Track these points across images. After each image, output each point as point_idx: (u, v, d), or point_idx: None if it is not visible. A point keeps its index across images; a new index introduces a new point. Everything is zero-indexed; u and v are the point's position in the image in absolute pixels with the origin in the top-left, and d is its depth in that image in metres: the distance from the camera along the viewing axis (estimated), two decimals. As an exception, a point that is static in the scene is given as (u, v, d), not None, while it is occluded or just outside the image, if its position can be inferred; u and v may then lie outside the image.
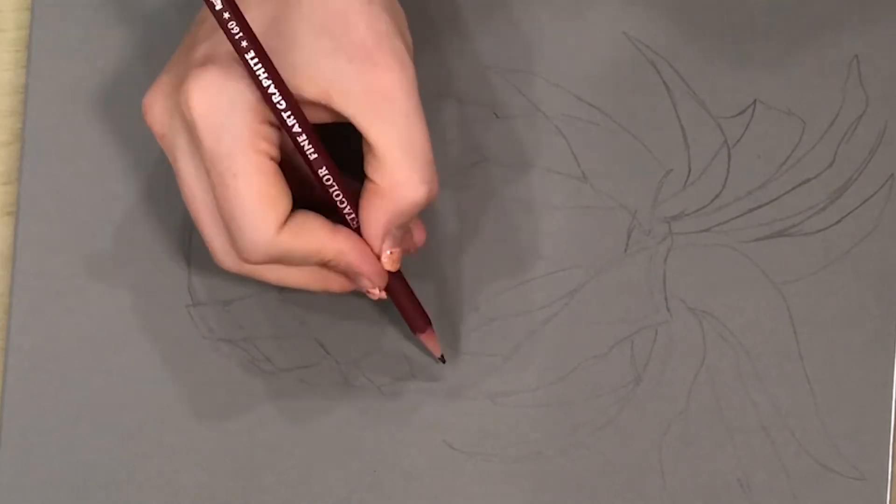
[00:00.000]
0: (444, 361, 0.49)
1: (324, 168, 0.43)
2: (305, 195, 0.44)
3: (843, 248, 0.50)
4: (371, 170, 0.43)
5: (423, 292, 0.49)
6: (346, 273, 0.45)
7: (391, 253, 0.45)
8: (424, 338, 0.48)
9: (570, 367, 0.50)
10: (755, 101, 0.50)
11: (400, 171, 0.42)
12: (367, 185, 0.43)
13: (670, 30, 0.50)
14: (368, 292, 0.46)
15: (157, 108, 0.43)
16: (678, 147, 0.50)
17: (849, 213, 0.50)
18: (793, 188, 0.50)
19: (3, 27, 0.52)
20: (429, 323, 0.48)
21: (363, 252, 0.44)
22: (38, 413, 0.50)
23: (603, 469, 0.50)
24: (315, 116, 0.43)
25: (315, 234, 0.43)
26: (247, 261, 0.43)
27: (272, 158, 0.42)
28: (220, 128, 0.41)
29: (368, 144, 0.42)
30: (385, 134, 0.42)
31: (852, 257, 0.50)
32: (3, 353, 0.50)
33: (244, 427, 0.50)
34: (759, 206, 0.50)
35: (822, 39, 0.50)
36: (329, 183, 0.43)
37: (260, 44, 0.41)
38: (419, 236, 0.47)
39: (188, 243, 0.50)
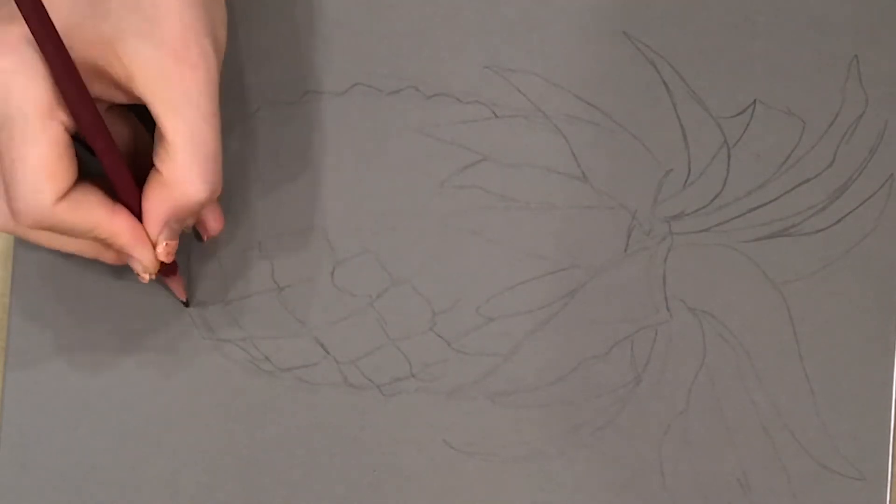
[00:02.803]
0: (187, 304, 0.50)
1: (108, 156, 0.43)
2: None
3: (843, 248, 0.50)
4: (159, 160, 0.43)
5: (423, 292, 0.49)
6: (120, 252, 0.45)
7: (167, 244, 0.45)
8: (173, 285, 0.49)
9: (570, 367, 0.50)
10: (755, 101, 0.50)
11: (185, 169, 0.43)
12: (153, 173, 0.43)
13: (670, 30, 0.50)
14: (138, 275, 0.46)
15: None
16: (678, 147, 0.50)
17: (849, 213, 0.50)
18: (792, 188, 0.50)
19: (3, 27, 0.52)
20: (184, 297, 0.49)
21: (138, 237, 0.44)
22: (38, 413, 0.50)
23: (603, 469, 0.50)
24: (118, 96, 0.43)
25: (92, 212, 0.43)
26: (19, 223, 0.43)
27: (67, 129, 0.42)
28: (23, 89, 0.41)
29: (161, 134, 0.43)
30: (178, 129, 0.42)
31: (852, 257, 0.50)
32: (3, 353, 0.50)
33: (244, 427, 0.50)
34: (759, 206, 0.50)
35: (822, 39, 0.50)
36: (113, 169, 0.43)
37: (54, 31, 0.40)
38: (214, 225, 0.47)
39: (188, 243, 0.50)
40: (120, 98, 0.43)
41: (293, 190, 0.50)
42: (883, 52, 0.50)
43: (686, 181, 0.50)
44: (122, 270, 0.50)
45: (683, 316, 0.50)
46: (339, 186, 0.50)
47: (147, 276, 0.46)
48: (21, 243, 0.50)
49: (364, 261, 0.50)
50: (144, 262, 0.45)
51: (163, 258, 0.45)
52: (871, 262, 0.50)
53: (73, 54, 0.41)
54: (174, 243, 0.45)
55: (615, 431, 0.50)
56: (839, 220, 0.50)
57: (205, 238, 0.48)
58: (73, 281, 0.50)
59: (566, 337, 0.50)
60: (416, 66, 0.50)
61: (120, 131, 0.46)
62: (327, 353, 0.50)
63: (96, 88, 0.43)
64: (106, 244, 0.45)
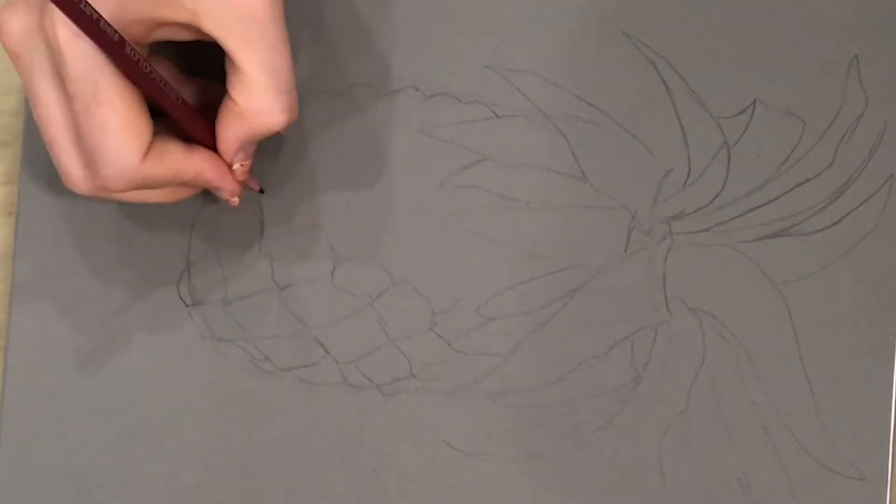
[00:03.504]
0: (262, 191, 0.50)
1: (174, 104, 0.44)
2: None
3: (843, 248, 0.50)
4: (234, 90, 0.44)
5: (423, 292, 0.49)
6: (203, 188, 0.47)
7: (242, 165, 0.46)
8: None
9: (570, 367, 0.50)
10: (755, 101, 0.50)
11: (263, 97, 0.43)
12: (228, 103, 0.44)
13: (670, 30, 0.50)
14: (227, 200, 0.47)
15: (14, 26, 0.43)
16: (678, 147, 0.50)
17: (849, 213, 0.50)
18: (792, 188, 0.50)
19: (3, 27, 0.52)
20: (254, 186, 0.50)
21: (219, 169, 0.46)
22: (38, 413, 0.50)
23: (603, 469, 0.50)
24: (183, 35, 0.44)
25: (174, 158, 0.44)
26: (108, 188, 0.43)
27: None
28: (88, 54, 0.41)
29: (234, 65, 0.43)
30: (251, 58, 0.43)
31: (852, 257, 0.50)
32: (3, 353, 0.50)
33: (244, 427, 0.50)
34: (759, 206, 0.50)
35: (822, 39, 0.50)
36: (180, 114, 0.44)
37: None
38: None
39: (188, 243, 0.50)
40: (186, 36, 0.44)
41: (293, 190, 0.50)
42: (883, 52, 0.50)
43: (686, 181, 0.50)
44: (121, 270, 0.50)
45: (683, 316, 0.50)
46: (339, 186, 0.50)
47: (236, 201, 0.47)
48: (21, 243, 0.50)
49: (364, 261, 0.50)
50: (229, 188, 0.46)
51: (240, 177, 0.47)
52: (871, 262, 0.50)
53: (137, 13, 0.42)
54: (249, 163, 0.46)
55: (615, 431, 0.50)
56: (839, 220, 0.50)
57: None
58: (73, 281, 0.50)
59: (566, 337, 0.50)
60: (416, 66, 0.50)
61: (165, 74, 0.46)
62: (327, 353, 0.50)
63: (163, 33, 0.43)
64: (187, 184, 0.46)
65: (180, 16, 0.42)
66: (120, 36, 0.41)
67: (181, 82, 0.47)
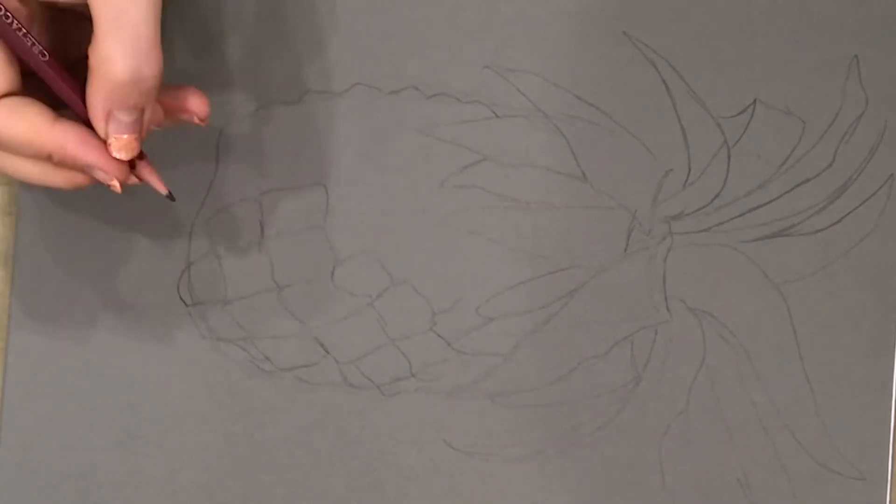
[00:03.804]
0: (172, 198, 0.45)
1: (40, 64, 0.41)
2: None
3: (843, 248, 0.50)
4: (89, 47, 0.40)
5: (423, 292, 0.49)
6: (78, 168, 0.42)
7: (116, 139, 0.42)
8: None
9: (570, 367, 0.50)
10: (755, 101, 0.50)
11: (104, 43, 0.40)
12: (87, 63, 0.41)
13: (670, 30, 0.50)
14: (107, 185, 0.43)
15: None
16: (678, 147, 0.50)
17: (849, 213, 0.50)
18: (792, 188, 0.50)
19: (3, 27, 0.52)
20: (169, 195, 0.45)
21: (87, 143, 0.42)
22: (38, 413, 0.50)
23: (603, 469, 0.50)
24: None
25: (31, 120, 0.41)
26: None
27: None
28: None
29: (91, 18, 0.40)
30: (101, 11, 0.39)
31: (852, 257, 0.50)
32: (3, 353, 0.50)
33: (244, 427, 0.50)
34: (759, 206, 0.50)
35: (822, 39, 0.50)
36: (47, 71, 0.42)
37: None
38: (197, 105, 0.44)
39: (188, 243, 0.50)
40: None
41: (293, 190, 0.50)
42: (883, 52, 0.50)
43: (686, 181, 0.50)
44: (121, 270, 0.50)
45: (683, 316, 0.50)
46: (339, 186, 0.50)
47: (116, 184, 0.43)
48: (21, 243, 0.50)
49: (364, 261, 0.50)
50: (104, 167, 0.42)
51: (117, 154, 0.42)
52: (871, 262, 0.50)
53: None
54: (129, 138, 0.42)
55: (615, 431, 0.50)
56: (839, 220, 0.50)
57: (196, 121, 0.45)
58: (73, 281, 0.50)
59: (566, 337, 0.50)
60: (416, 66, 0.50)
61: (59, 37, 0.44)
62: (327, 353, 0.50)
63: None
64: (59, 165, 0.42)
65: None
66: None
67: (77, 24, 0.44)
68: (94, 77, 0.40)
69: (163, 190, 0.45)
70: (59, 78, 0.42)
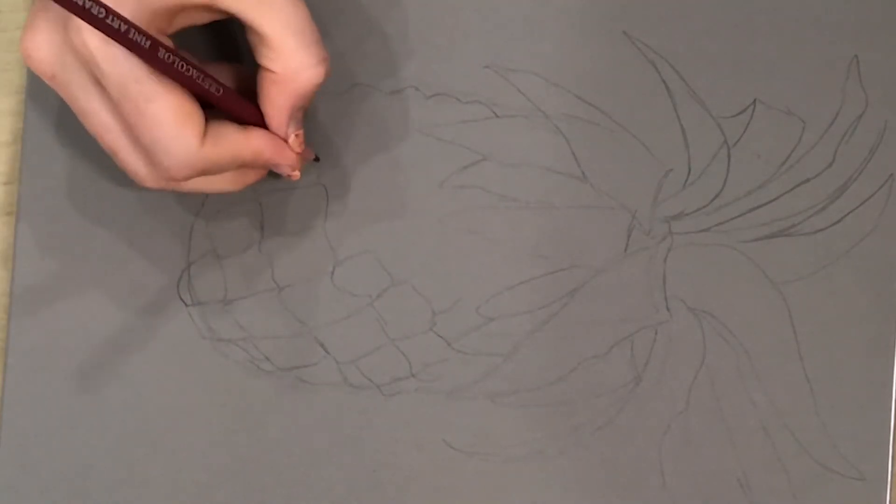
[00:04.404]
0: (318, 159, 0.50)
1: (216, 88, 0.44)
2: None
3: (843, 248, 0.50)
4: (266, 60, 0.44)
5: (423, 292, 0.49)
6: (267, 168, 0.47)
7: (296, 135, 0.46)
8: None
9: (570, 367, 0.50)
10: (755, 101, 0.50)
11: (296, 57, 0.43)
12: (265, 75, 0.44)
13: (670, 30, 0.50)
14: (288, 176, 0.47)
15: (42, 50, 0.43)
16: (678, 147, 0.50)
17: (848, 213, 0.50)
18: (792, 188, 0.50)
19: (3, 27, 0.52)
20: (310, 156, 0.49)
21: (277, 146, 0.46)
22: (38, 413, 0.50)
23: (603, 469, 0.50)
24: (203, 18, 0.44)
25: (232, 139, 0.44)
26: (174, 178, 0.44)
27: None
28: (123, 57, 0.41)
29: (259, 35, 0.43)
30: (275, 23, 0.43)
31: (852, 257, 0.50)
32: (3, 353, 0.50)
33: (244, 427, 0.50)
34: (759, 206, 0.50)
35: (822, 39, 0.50)
36: (224, 98, 0.44)
37: None
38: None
39: (188, 243, 0.50)
40: (206, 19, 0.44)
41: (293, 190, 0.50)
42: (883, 52, 0.50)
43: (686, 181, 0.50)
44: (121, 270, 0.50)
45: (683, 316, 0.50)
46: (339, 186, 0.50)
47: (297, 173, 0.47)
48: (21, 243, 0.50)
49: (364, 261, 0.50)
50: (289, 163, 0.46)
51: (296, 149, 0.46)
52: (871, 262, 0.50)
53: (158, 2, 0.42)
54: (301, 131, 0.46)
55: (615, 431, 0.50)
56: (839, 220, 0.50)
57: None
58: (73, 281, 0.50)
59: (566, 337, 0.50)
60: (416, 66, 0.50)
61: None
62: (327, 353, 0.50)
63: (184, 19, 0.43)
64: (248, 167, 0.46)
65: (199, 0, 0.42)
66: (151, 40, 0.41)
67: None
68: (284, 87, 0.44)
69: (311, 155, 0.49)
70: (235, 104, 0.45)
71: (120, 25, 0.40)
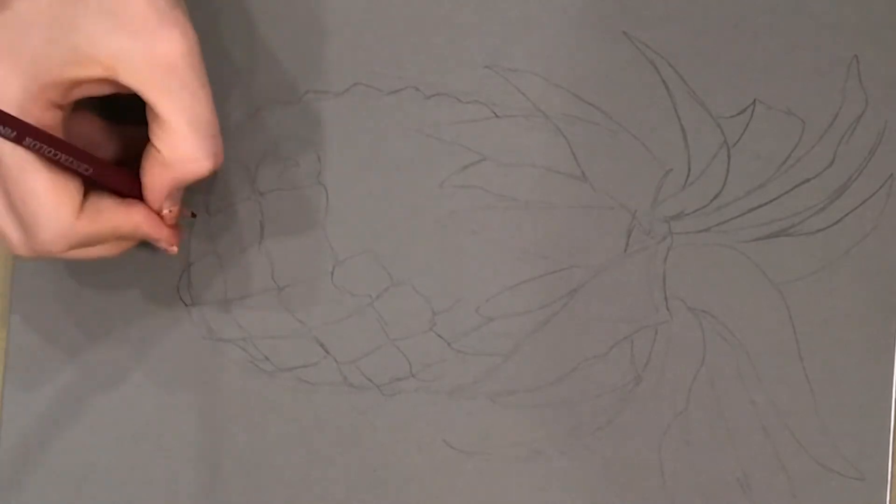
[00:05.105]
0: (194, 216, 0.50)
1: (97, 167, 0.44)
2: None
3: (843, 248, 0.50)
4: (156, 139, 0.43)
5: (423, 292, 0.49)
6: (142, 240, 0.47)
7: (170, 211, 0.46)
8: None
9: (570, 367, 0.50)
10: (755, 101, 0.50)
11: (185, 146, 0.43)
12: (152, 152, 0.44)
13: (670, 30, 0.50)
14: (166, 250, 0.47)
15: None
16: (678, 147, 0.50)
17: (849, 213, 0.50)
18: (792, 188, 0.50)
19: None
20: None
21: (155, 221, 0.46)
22: (38, 413, 0.50)
23: (603, 469, 0.50)
24: (103, 90, 0.43)
25: (110, 214, 0.44)
26: (50, 251, 0.44)
27: None
28: None
29: (155, 115, 0.43)
30: (170, 107, 0.43)
31: (852, 257, 0.50)
32: (3, 353, 0.50)
33: (244, 426, 0.50)
34: (759, 206, 0.50)
35: (822, 39, 0.50)
36: (106, 176, 0.44)
37: None
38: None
39: (188, 243, 0.50)
40: (106, 91, 0.44)
41: (293, 190, 0.50)
42: (883, 52, 0.50)
43: (686, 181, 0.50)
44: (121, 270, 0.50)
45: (683, 316, 0.50)
46: (339, 186, 0.50)
47: (174, 248, 0.47)
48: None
49: (364, 261, 0.50)
50: (166, 238, 0.46)
51: (170, 223, 0.46)
52: (871, 262, 0.50)
53: (50, 77, 0.42)
54: (177, 208, 0.46)
55: (615, 431, 0.50)
56: (839, 220, 0.50)
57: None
58: (73, 281, 0.50)
59: (566, 337, 0.50)
60: (416, 66, 0.50)
61: (86, 132, 0.46)
62: (327, 353, 0.50)
63: (82, 90, 0.43)
64: (126, 238, 0.46)
65: (96, 72, 0.42)
66: (17, 130, 0.41)
67: (107, 134, 0.47)
68: (168, 170, 0.44)
69: (186, 213, 0.49)
70: (112, 180, 0.45)
71: None
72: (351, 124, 0.50)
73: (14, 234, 0.44)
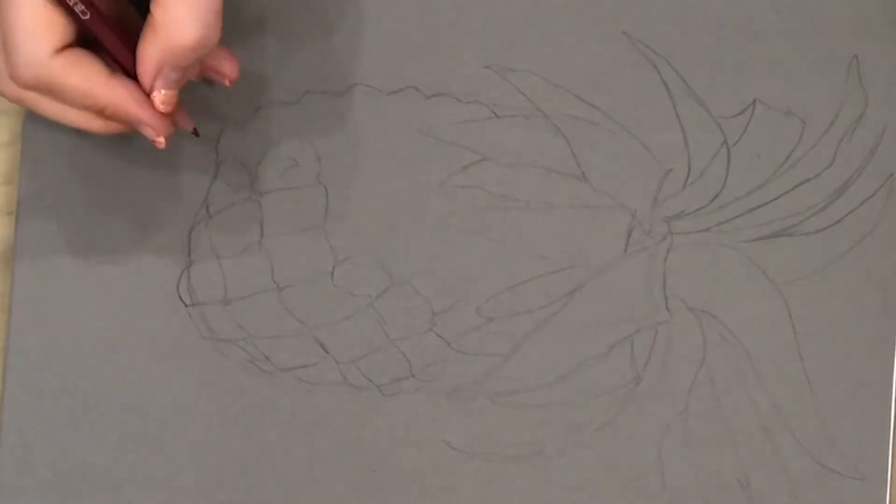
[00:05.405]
0: (197, 134, 0.48)
1: (98, 24, 0.43)
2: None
3: (843, 248, 0.50)
4: (154, 3, 0.42)
5: (423, 292, 0.49)
6: (126, 122, 0.45)
7: (163, 93, 0.44)
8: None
9: (570, 367, 0.50)
10: (755, 101, 0.50)
11: (178, 7, 0.42)
12: (148, 19, 0.43)
13: (670, 30, 0.50)
14: (153, 140, 0.45)
15: None
16: (678, 147, 0.50)
17: (849, 213, 0.50)
18: (793, 188, 0.50)
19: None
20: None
21: (140, 100, 0.44)
22: (38, 413, 0.50)
23: (603, 469, 0.50)
24: None
25: (88, 74, 0.43)
26: (18, 81, 0.43)
27: None
28: None
29: None
30: None
31: (852, 257, 0.50)
32: (3, 353, 0.50)
33: (244, 427, 0.50)
34: (759, 206, 0.50)
35: (822, 39, 0.50)
36: (104, 36, 0.43)
37: None
38: (230, 69, 0.46)
39: (188, 243, 0.50)
40: None
41: (293, 190, 0.50)
42: (883, 52, 0.50)
43: (686, 181, 0.50)
44: (121, 270, 0.50)
45: (683, 316, 0.50)
46: (339, 186, 0.50)
47: (162, 140, 0.45)
48: (21, 243, 0.50)
49: (364, 261, 0.50)
50: (152, 123, 0.44)
51: (159, 107, 0.44)
52: (871, 262, 0.50)
53: None
54: (171, 93, 0.44)
55: (615, 431, 0.50)
56: (839, 220, 0.50)
57: (226, 83, 0.47)
58: (73, 280, 0.50)
59: (566, 337, 0.50)
60: (416, 66, 0.50)
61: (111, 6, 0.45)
62: (327, 353, 0.50)
63: None
64: (109, 117, 0.44)
65: None
66: None
67: (132, 18, 0.46)
68: (157, 35, 0.42)
69: (189, 126, 0.47)
70: (103, 32, 0.43)
71: None
72: (351, 124, 0.50)
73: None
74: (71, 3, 0.43)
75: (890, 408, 0.50)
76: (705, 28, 0.50)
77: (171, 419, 0.50)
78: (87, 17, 0.43)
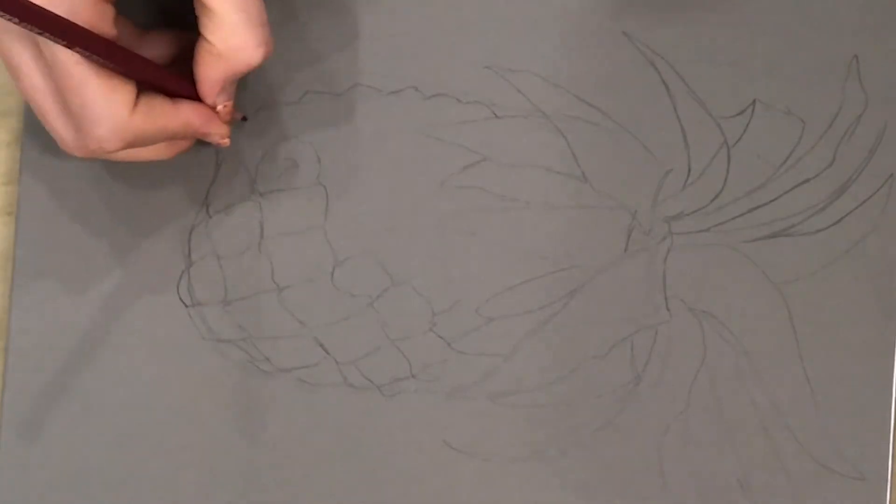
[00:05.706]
0: (245, 119, 0.50)
1: (148, 68, 0.44)
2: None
3: (843, 248, 0.50)
4: (207, 31, 0.44)
5: (423, 292, 0.49)
6: (196, 137, 0.47)
7: (225, 106, 0.47)
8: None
9: (570, 367, 0.50)
10: (755, 101, 0.50)
11: (237, 34, 0.44)
12: (204, 45, 0.44)
13: (670, 30, 0.50)
14: (218, 144, 0.48)
15: None
16: (678, 147, 0.50)
17: (849, 213, 0.50)
18: (792, 188, 0.50)
19: (3, 27, 0.52)
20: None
21: (205, 115, 0.46)
22: (38, 413, 0.50)
23: (603, 469, 0.50)
24: None
25: (161, 110, 0.45)
26: (104, 148, 0.44)
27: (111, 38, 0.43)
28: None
29: (203, 6, 0.43)
30: (221, 4, 0.43)
31: (852, 257, 0.50)
32: (3, 353, 0.50)
33: (244, 427, 0.50)
34: (759, 206, 0.50)
35: (822, 39, 0.50)
36: (156, 75, 0.45)
37: None
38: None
39: (188, 243, 0.50)
40: None
41: (293, 190, 0.50)
42: (883, 52, 0.50)
43: (686, 181, 0.50)
44: (121, 270, 0.50)
45: (683, 316, 0.50)
46: (339, 186, 0.50)
47: (227, 140, 0.48)
48: (21, 243, 0.50)
49: (364, 261, 0.50)
50: (218, 132, 0.47)
51: (225, 119, 0.47)
52: (871, 262, 0.50)
53: None
54: (231, 102, 0.47)
55: (615, 431, 0.50)
56: (839, 220, 0.50)
57: None
58: (73, 281, 0.50)
59: (566, 337, 0.50)
60: (416, 66, 0.50)
61: (125, 35, 0.46)
62: (327, 353, 0.50)
63: None
64: (177, 136, 0.46)
65: None
66: (66, 41, 0.41)
67: (139, 36, 0.47)
68: (221, 61, 0.44)
69: (238, 116, 0.50)
70: (161, 80, 0.45)
71: (40, 31, 0.40)
72: (351, 124, 0.50)
73: (67, 133, 0.44)
74: (125, 72, 0.43)
75: (890, 408, 0.50)
76: (705, 28, 0.50)
77: (171, 419, 0.50)
78: (141, 74, 0.44)
